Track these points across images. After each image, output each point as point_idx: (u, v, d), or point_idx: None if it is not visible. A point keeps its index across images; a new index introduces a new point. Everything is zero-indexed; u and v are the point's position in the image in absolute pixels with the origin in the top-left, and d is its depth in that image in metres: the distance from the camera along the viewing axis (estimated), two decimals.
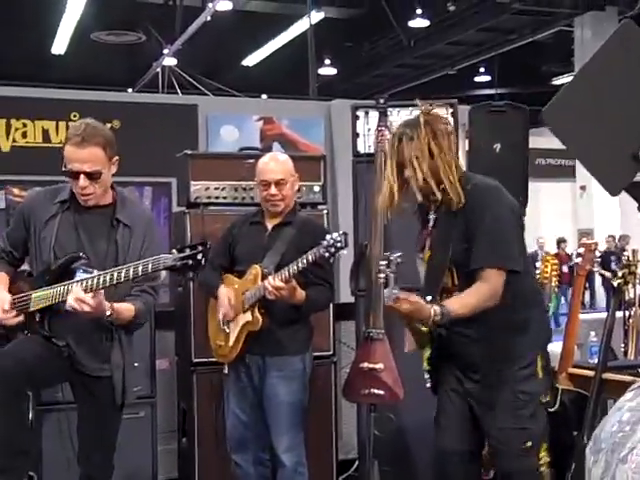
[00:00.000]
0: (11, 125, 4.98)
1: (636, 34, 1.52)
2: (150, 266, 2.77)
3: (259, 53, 12.23)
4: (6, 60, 11.63)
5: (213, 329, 3.69)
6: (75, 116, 5.13)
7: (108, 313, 2.87)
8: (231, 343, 3.57)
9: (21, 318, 2.97)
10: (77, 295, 2.79)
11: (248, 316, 3.48)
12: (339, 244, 3.20)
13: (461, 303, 2.63)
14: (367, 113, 4.06)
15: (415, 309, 2.58)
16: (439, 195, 2.69)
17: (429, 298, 2.67)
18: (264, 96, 12.37)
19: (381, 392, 3.63)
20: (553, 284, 3.71)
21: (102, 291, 2.83)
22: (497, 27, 11.37)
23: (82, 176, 2.93)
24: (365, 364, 3.68)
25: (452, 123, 2.85)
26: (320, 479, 3.97)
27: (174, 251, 2.76)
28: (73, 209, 3.04)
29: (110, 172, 3.03)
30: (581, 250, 3.53)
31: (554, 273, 3.70)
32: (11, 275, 3.10)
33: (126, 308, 2.95)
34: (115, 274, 2.80)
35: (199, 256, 2.75)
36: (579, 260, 3.53)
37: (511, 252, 2.69)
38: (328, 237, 3.20)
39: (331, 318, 4.12)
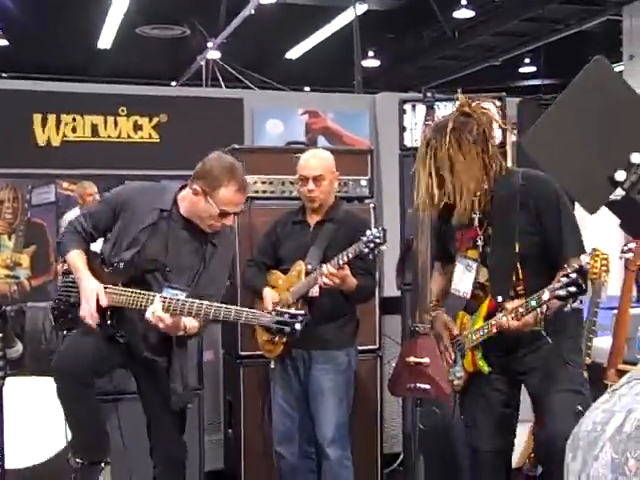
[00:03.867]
0: (61, 120, 5.07)
1: (607, 69, 1.67)
2: (244, 318, 2.85)
3: (302, 46, 12.19)
4: (53, 54, 11.80)
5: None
6: (123, 110, 5.21)
7: (180, 334, 2.96)
8: (276, 338, 3.60)
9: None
10: (156, 312, 2.85)
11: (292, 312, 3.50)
12: (378, 240, 3.20)
13: None
14: (414, 107, 4.05)
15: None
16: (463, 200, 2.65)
17: (500, 298, 2.68)
18: (307, 89, 12.37)
19: (427, 387, 3.62)
20: (602, 279, 3.65)
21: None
22: (543, 17, 11.17)
23: (230, 217, 3.04)
24: (411, 358, 3.68)
25: (493, 120, 2.73)
26: (365, 472, 3.99)
27: (272, 312, 2.83)
28: (171, 221, 3.09)
29: None
30: (632, 245, 3.47)
31: (604, 268, 3.63)
32: (87, 254, 3.13)
33: (193, 326, 3.00)
34: (203, 309, 2.84)
35: (297, 326, 2.79)
36: (630, 255, 3.47)
37: (581, 240, 2.76)
38: (368, 233, 3.20)
39: (377, 312, 4.12)
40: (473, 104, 2.71)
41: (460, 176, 2.62)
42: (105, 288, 3.02)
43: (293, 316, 2.80)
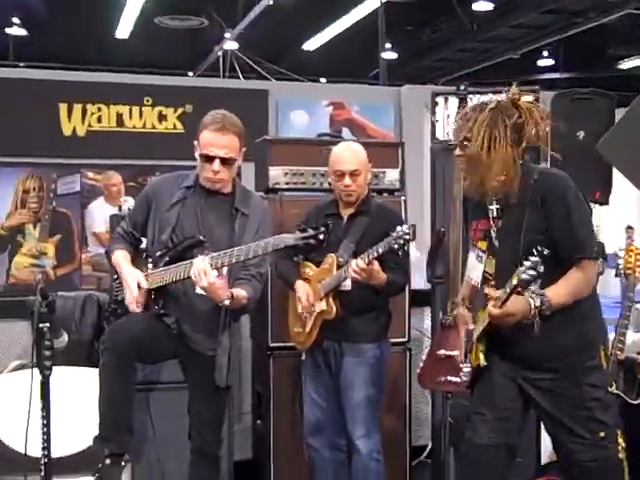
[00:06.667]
0: (87, 110, 5.07)
1: None
2: (271, 246, 2.85)
3: (320, 37, 12.15)
4: (70, 44, 11.79)
5: (292, 316, 3.71)
6: (148, 101, 5.21)
7: (227, 302, 2.95)
8: (307, 330, 3.60)
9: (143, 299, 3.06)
10: (202, 266, 2.87)
11: (323, 305, 3.50)
12: (407, 236, 3.19)
13: (560, 290, 2.55)
14: (447, 99, 4.02)
15: (517, 304, 2.49)
16: (492, 185, 2.63)
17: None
18: (323, 80, 12.34)
19: (457, 380, 3.61)
20: (638, 274, 3.62)
21: (226, 275, 2.92)
22: (563, 9, 11.11)
23: (217, 161, 3.04)
24: (442, 351, 3.67)
25: (537, 119, 2.64)
26: (393, 465, 3.97)
27: (297, 232, 2.86)
28: (197, 195, 3.15)
29: (239, 161, 3.13)
30: None
31: (638, 264, 3.60)
32: (132, 254, 3.22)
33: (242, 295, 3.02)
34: (235, 252, 2.88)
35: (321, 236, 2.84)
36: None
37: (595, 242, 2.69)
38: (398, 229, 3.20)
39: (406, 305, 4.10)
40: (524, 97, 2.67)
41: (484, 157, 2.59)
42: (147, 274, 3.09)
43: (315, 228, 2.86)
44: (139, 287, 3.03)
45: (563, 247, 2.59)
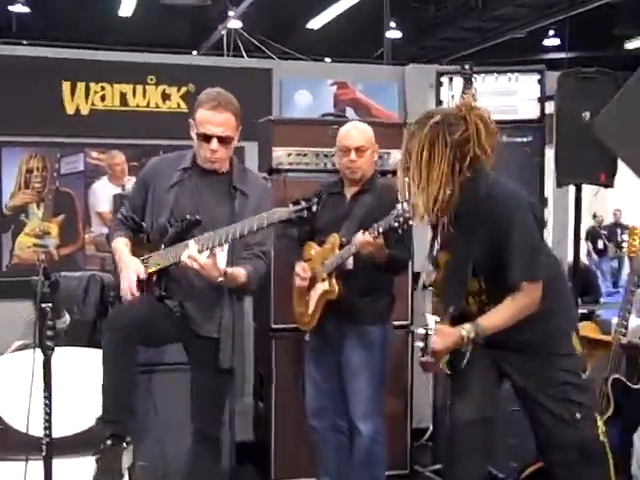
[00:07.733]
0: (90, 88, 5.02)
1: None
2: (266, 220, 2.82)
3: (324, 16, 12.09)
4: (73, 22, 11.74)
5: (296, 297, 3.71)
6: (152, 79, 5.16)
7: (220, 279, 2.92)
8: (310, 311, 3.59)
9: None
10: (190, 253, 2.87)
11: (326, 285, 3.50)
12: (407, 214, 3.17)
13: (496, 317, 2.61)
14: (451, 79, 3.99)
15: (447, 340, 2.59)
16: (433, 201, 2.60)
17: (452, 309, 2.66)
18: (327, 60, 12.27)
19: None
20: None
21: (219, 254, 2.89)
22: None
23: (215, 139, 3.01)
24: None
25: (486, 128, 2.60)
26: (394, 447, 4.00)
27: (290, 205, 2.83)
28: (194, 176, 3.12)
29: (236, 140, 3.10)
30: None
31: None
32: (132, 240, 3.20)
33: (238, 274, 2.99)
34: (231, 231, 2.85)
35: (314, 208, 2.82)
36: None
37: (542, 261, 2.67)
38: (398, 207, 3.18)
39: (409, 287, 4.10)
40: (474, 108, 2.61)
41: (424, 173, 2.58)
42: (144, 259, 3.06)
43: (307, 200, 2.84)
44: (138, 279, 2.99)
45: (507, 273, 2.59)
